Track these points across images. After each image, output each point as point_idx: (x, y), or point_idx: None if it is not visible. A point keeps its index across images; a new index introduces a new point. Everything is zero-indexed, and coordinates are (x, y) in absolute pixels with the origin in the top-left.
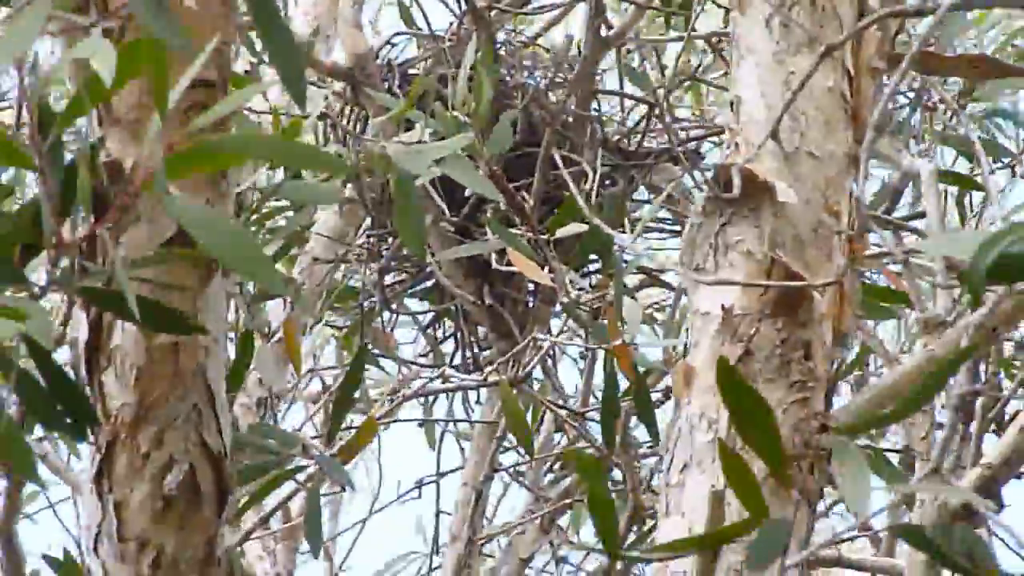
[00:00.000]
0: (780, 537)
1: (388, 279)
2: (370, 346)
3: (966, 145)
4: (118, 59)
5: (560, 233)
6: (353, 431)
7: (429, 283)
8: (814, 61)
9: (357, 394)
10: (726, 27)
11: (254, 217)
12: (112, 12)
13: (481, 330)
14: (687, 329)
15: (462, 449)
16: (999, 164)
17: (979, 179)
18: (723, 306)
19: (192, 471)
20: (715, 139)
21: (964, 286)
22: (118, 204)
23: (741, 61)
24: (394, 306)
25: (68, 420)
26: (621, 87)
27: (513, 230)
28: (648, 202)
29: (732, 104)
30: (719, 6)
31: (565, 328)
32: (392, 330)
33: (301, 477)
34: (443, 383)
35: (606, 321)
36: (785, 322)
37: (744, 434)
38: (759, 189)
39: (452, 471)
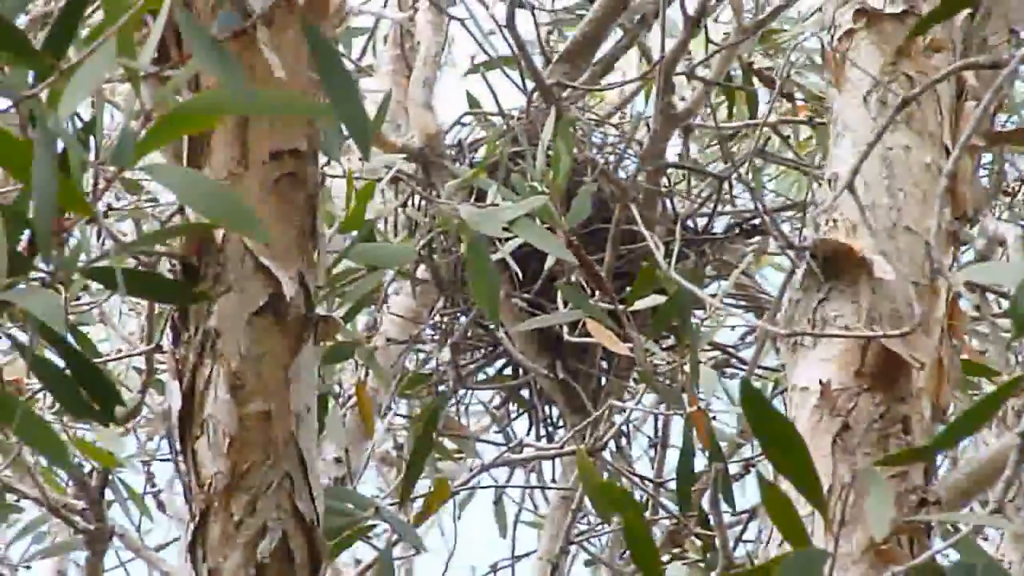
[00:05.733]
0: (814, 566)
1: (461, 359)
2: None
3: None
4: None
5: (638, 305)
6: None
7: (501, 362)
8: (907, 135)
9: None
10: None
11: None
12: (180, 59)
13: (555, 409)
14: (785, 403)
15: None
16: None
17: None
18: (821, 381)
19: (285, 538)
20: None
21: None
22: (209, 273)
23: (838, 138)
24: (468, 383)
25: (94, 404)
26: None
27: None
28: (719, 278)
29: (830, 181)
30: (787, 97)
31: (641, 401)
32: (466, 409)
33: (379, 543)
34: (518, 453)
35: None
36: (883, 397)
37: (775, 461)
38: (856, 265)
39: (527, 555)
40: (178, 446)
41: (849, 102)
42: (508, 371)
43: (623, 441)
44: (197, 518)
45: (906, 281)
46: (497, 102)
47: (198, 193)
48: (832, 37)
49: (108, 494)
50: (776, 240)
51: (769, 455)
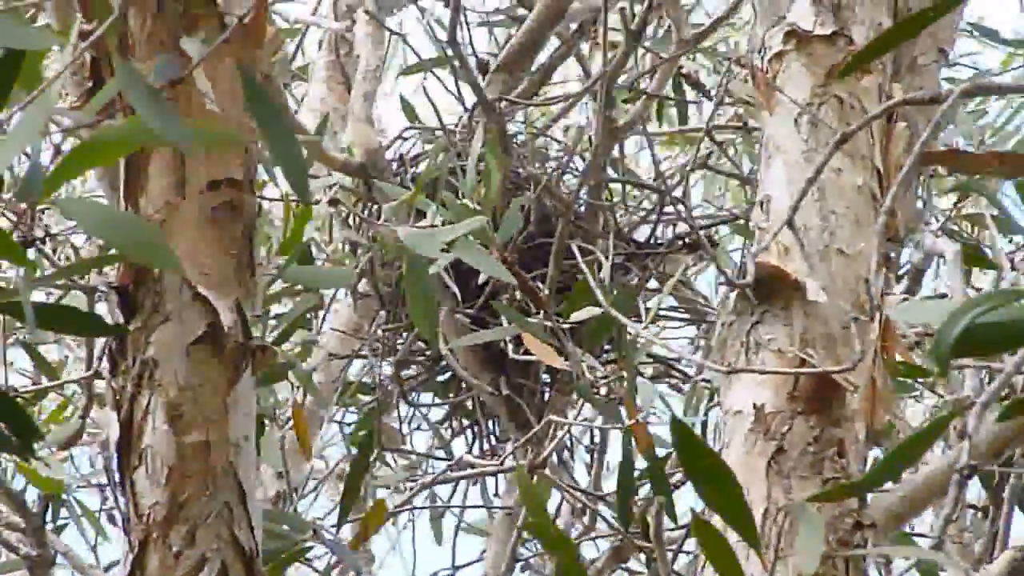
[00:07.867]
0: None
1: (404, 373)
2: (382, 443)
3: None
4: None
5: (573, 318)
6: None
7: (445, 376)
8: (839, 158)
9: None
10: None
11: None
12: (116, 108)
13: (498, 423)
14: (718, 427)
15: (483, 539)
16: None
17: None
18: (755, 404)
19: (224, 569)
20: (727, 226)
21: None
22: (147, 303)
23: (770, 160)
24: (411, 399)
25: (13, 439)
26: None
27: (529, 319)
28: (660, 291)
29: (762, 203)
30: (728, 103)
31: (580, 412)
32: (409, 423)
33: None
34: (460, 470)
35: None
36: (818, 420)
37: (708, 499)
38: (789, 288)
39: (468, 564)
40: (117, 476)
41: (780, 124)
42: (452, 385)
43: (565, 454)
44: (136, 549)
45: (839, 304)
46: (438, 115)
47: (109, 227)
48: (762, 59)
49: (58, 516)
50: (711, 259)
51: (703, 494)
